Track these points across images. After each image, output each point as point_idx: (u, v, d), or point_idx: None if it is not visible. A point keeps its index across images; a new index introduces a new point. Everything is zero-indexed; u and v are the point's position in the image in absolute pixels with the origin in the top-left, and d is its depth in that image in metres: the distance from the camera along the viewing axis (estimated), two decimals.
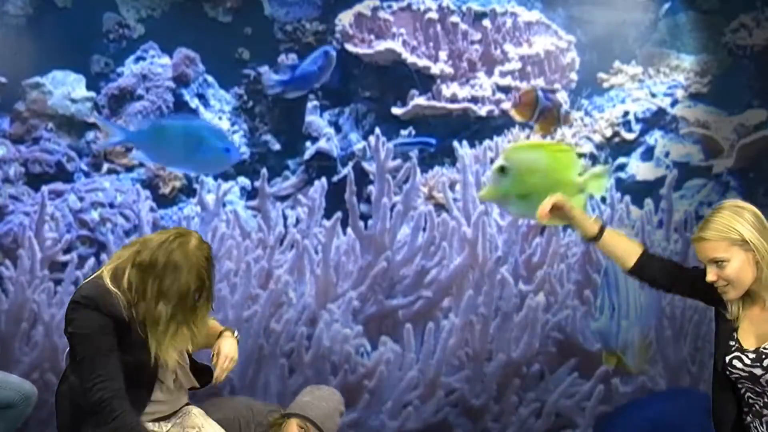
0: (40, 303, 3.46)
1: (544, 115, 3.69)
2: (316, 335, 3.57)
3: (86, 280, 2.03)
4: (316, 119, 3.73)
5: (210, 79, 3.70)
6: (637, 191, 3.93)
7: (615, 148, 3.97)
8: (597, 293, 3.67)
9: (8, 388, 2.65)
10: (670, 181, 3.92)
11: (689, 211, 3.94)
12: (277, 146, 3.78)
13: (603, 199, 3.87)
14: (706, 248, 1.90)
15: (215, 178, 3.71)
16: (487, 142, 3.80)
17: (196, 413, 2.15)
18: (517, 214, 3.51)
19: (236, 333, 2.18)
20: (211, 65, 3.71)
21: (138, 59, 3.69)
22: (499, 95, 3.83)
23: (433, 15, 3.76)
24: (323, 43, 3.70)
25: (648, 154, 3.99)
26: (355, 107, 3.75)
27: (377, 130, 3.72)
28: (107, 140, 3.59)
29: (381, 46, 3.73)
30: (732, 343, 1.96)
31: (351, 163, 3.73)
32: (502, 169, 3.15)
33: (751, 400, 1.95)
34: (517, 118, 3.75)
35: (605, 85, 3.91)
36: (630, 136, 3.93)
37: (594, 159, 3.93)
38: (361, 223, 3.70)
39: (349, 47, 3.71)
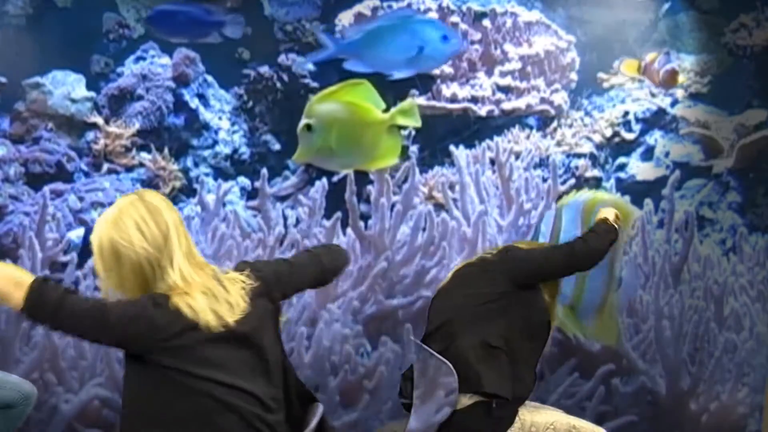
0: None
1: (668, 75, 3.76)
2: (316, 335, 3.58)
3: None
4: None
5: (210, 79, 3.71)
6: (637, 191, 3.93)
7: (615, 148, 3.97)
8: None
9: (8, 388, 2.65)
10: (672, 182, 3.92)
11: (689, 211, 3.94)
12: (277, 146, 3.78)
13: None
14: None
15: (215, 178, 3.71)
16: (486, 142, 3.80)
17: None
18: (341, 167, 3.47)
19: None
20: (211, 65, 3.71)
21: (138, 59, 3.70)
22: (499, 95, 3.83)
23: (433, 15, 3.76)
24: (323, 43, 3.70)
25: (648, 154, 3.99)
26: None
27: None
28: (318, 54, 3.56)
29: None
30: None
31: None
32: (308, 128, 3.12)
33: None
34: (649, 81, 3.85)
35: (605, 85, 3.91)
36: (630, 136, 3.93)
37: (594, 159, 3.94)
38: (361, 223, 3.71)
39: None
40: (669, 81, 3.76)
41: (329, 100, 3.19)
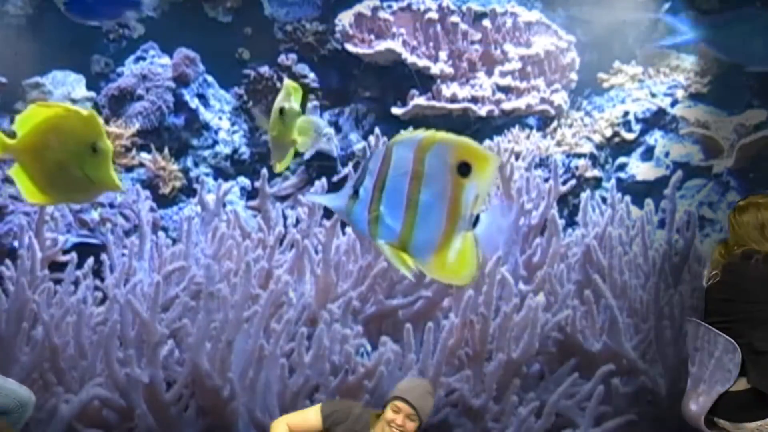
0: (40, 303, 3.47)
1: None
2: (316, 335, 3.57)
3: None
4: (316, 119, 3.73)
5: (210, 79, 3.71)
6: (637, 191, 3.93)
7: (615, 148, 3.97)
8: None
9: (4, 395, 2.63)
10: (674, 182, 3.91)
11: (691, 211, 3.94)
12: None
13: (603, 199, 3.87)
14: None
15: (215, 178, 3.71)
16: (487, 142, 3.80)
17: None
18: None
19: None
20: (211, 65, 3.71)
21: (138, 59, 3.70)
22: (499, 95, 3.83)
23: (433, 15, 3.76)
24: (323, 43, 3.70)
25: (648, 154, 3.99)
26: (355, 107, 3.76)
27: (377, 130, 3.72)
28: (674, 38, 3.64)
29: (381, 46, 3.73)
30: None
31: (351, 163, 3.73)
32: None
33: None
34: None
35: (605, 85, 3.91)
36: (630, 136, 3.93)
37: (594, 159, 3.94)
38: None
39: (349, 47, 3.72)
40: None
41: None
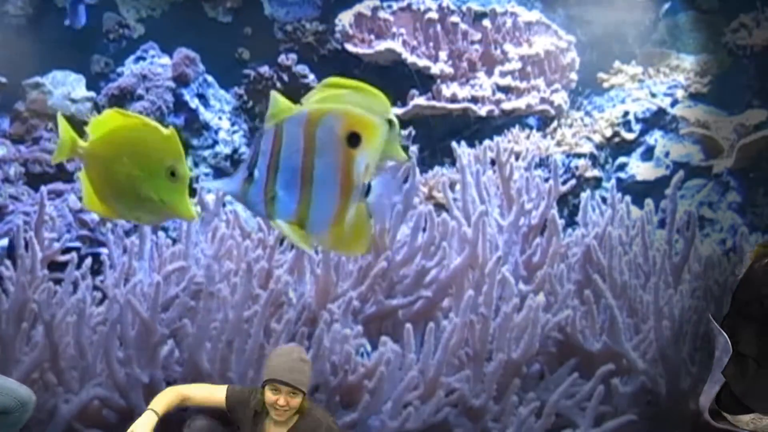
0: (40, 303, 3.47)
1: None
2: (316, 335, 3.57)
3: None
4: None
5: (210, 79, 3.71)
6: (637, 191, 3.93)
7: (615, 148, 3.97)
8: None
9: (4, 394, 2.62)
10: (675, 182, 3.91)
11: (691, 211, 3.95)
12: None
13: (603, 199, 3.88)
14: None
15: (215, 178, 3.71)
16: (486, 142, 3.80)
17: None
18: None
19: None
20: (211, 65, 3.71)
21: (138, 59, 3.70)
22: (499, 95, 3.83)
23: (433, 15, 3.76)
24: (323, 43, 3.70)
25: (648, 154, 3.99)
26: None
27: None
28: None
29: (381, 46, 3.73)
30: None
31: None
32: None
33: None
34: None
35: (605, 85, 3.91)
36: (630, 136, 3.93)
37: (594, 159, 3.94)
38: None
39: (349, 47, 3.71)
40: None
41: None
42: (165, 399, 3.07)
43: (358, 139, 2.53)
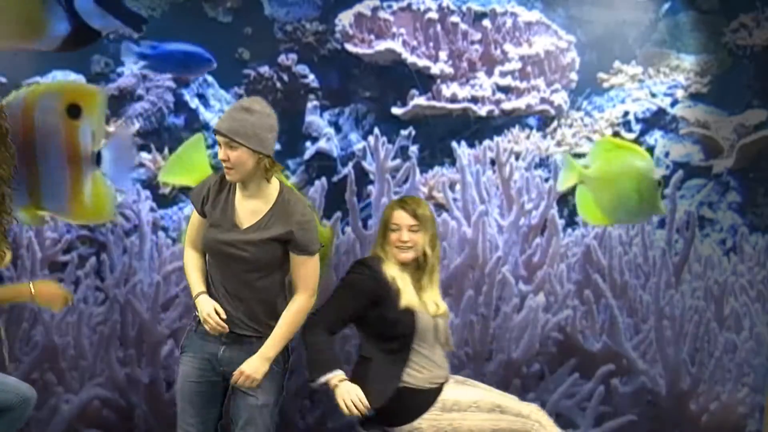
0: None
1: None
2: None
3: None
4: (316, 119, 3.73)
5: (210, 79, 3.70)
6: None
7: None
8: None
9: (6, 391, 2.63)
10: (675, 182, 3.92)
11: (691, 211, 3.95)
12: (277, 146, 3.76)
13: None
14: None
15: None
16: (486, 142, 3.80)
17: None
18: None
19: None
20: None
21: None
22: (499, 95, 3.83)
23: (433, 15, 3.76)
24: (323, 43, 3.70)
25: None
26: (355, 107, 3.75)
27: (377, 130, 3.73)
28: None
29: (381, 46, 3.73)
30: None
31: (351, 163, 3.74)
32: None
33: None
34: None
35: (605, 85, 3.91)
36: (630, 136, 3.93)
37: None
38: (361, 223, 3.71)
39: (349, 47, 3.71)
40: None
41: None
42: (196, 275, 2.72)
43: (79, 110, 2.50)
